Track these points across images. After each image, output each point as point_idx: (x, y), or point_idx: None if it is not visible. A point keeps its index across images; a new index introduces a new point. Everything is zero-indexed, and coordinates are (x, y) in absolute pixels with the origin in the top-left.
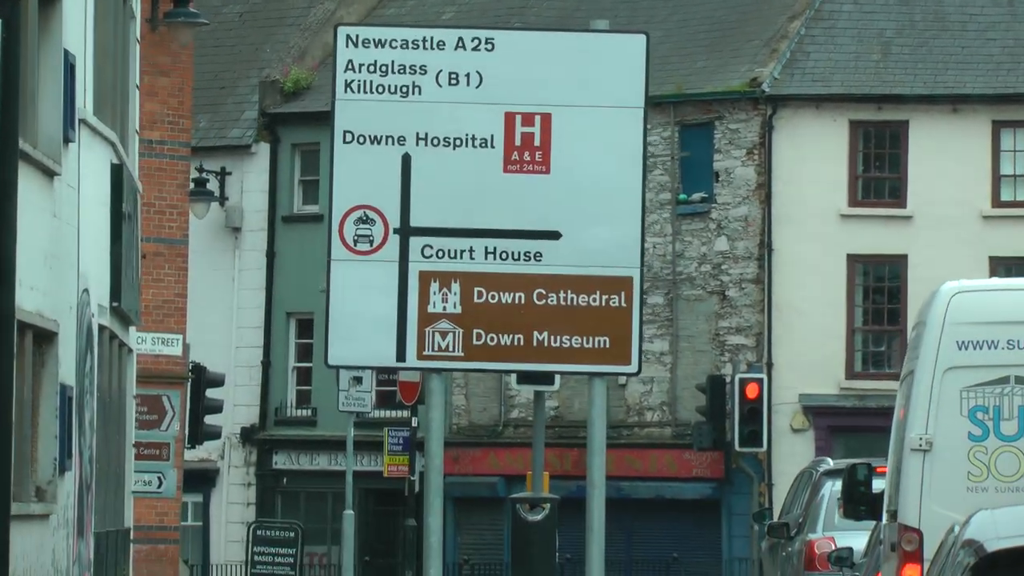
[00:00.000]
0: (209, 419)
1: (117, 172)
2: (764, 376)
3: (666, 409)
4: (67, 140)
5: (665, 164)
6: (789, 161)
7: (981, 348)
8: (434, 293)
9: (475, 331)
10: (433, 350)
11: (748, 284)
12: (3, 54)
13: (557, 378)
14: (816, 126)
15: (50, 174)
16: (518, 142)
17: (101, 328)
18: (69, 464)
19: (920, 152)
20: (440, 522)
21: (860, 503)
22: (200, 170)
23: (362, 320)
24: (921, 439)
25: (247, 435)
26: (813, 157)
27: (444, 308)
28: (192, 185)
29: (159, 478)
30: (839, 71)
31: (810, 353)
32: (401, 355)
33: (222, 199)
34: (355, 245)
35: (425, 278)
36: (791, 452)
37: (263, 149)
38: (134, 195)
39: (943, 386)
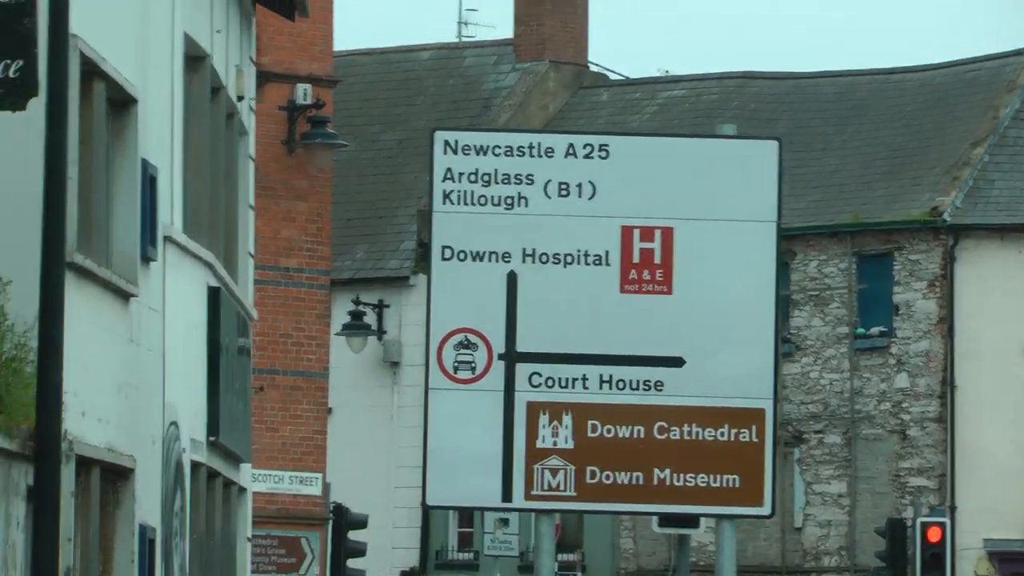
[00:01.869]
0: (352, 563)
1: (214, 296)
2: (947, 520)
3: (844, 554)
4: (147, 259)
5: (842, 297)
6: (972, 294)
7: None
8: (543, 426)
9: (589, 468)
10: (542, 489)
11: (930, 423)
12: (47, 155)
13: (703, 521)
14: (1000, 257)
15: (124, 296)
16: (636, 259)
17: (196, 465)
18: None
19: None
20: None
21: None
22: (356, 302)
23: (464, 456)
24: None
25: None
26: (998, 290)
27: (555, 443)
28: (348, 318)
29: None
30: None
31: (996, 496)
32: (507, 495)
33: (380, 332)
34: (455, 373)
35: (533, 409)
36: None
37: (422, 280)
38: (241, 322)
39: None
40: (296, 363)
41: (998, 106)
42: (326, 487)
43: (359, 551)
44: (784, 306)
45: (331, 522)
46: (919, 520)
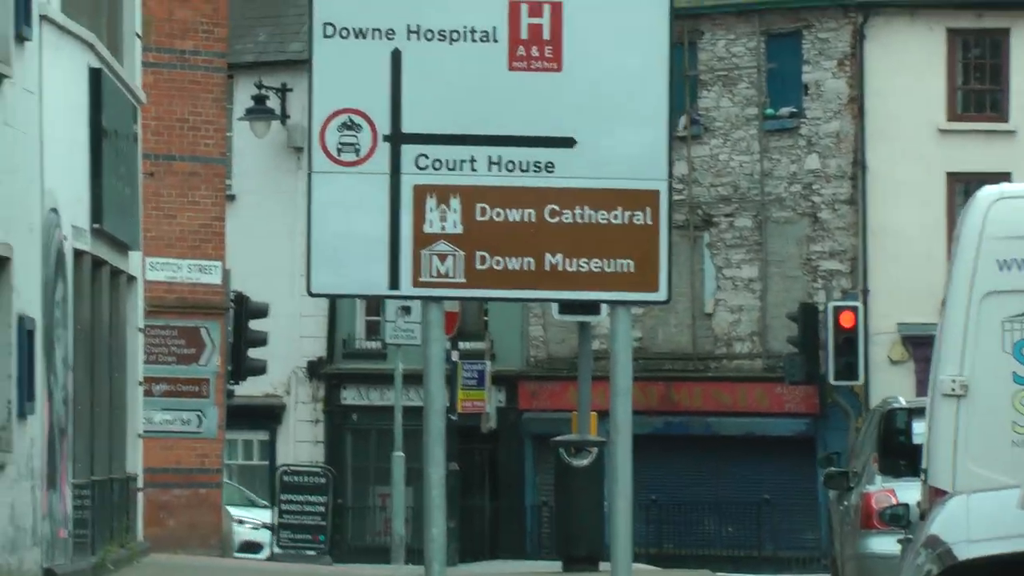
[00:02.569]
0: (253, 352)
1: (96, 77)
2: (860, 304)
3: (756, 340)
4: (21, 38)
5: (751, 77)
6: (883, 73)
7: None
8: (431, 210)
9: (478, 254)
10: (431, 276)
11: (841, 205)
12: None
13: (604, 307)
14: (912, 35)
15: None
16: (525, 35)
17: (79, 253)
18: (32, 407)
19: None
20: (442, 473)
21: (899, 455)
22: (259, 86)
23: (349, 241)
24: (954, 382)
25: (314, 369)
26: (909, 68)
27: (443, 227)
28: (252, 103)
29: (198, 416)
30: None
31: (909, 279)
32: (394, 282)
33: (283, 117)
34: (339, 155)
35: (420, 193)
36: (890, 385)
37: None
38: (128, 106)
39: (981, 315)
40: (193, 148)
41: None
42: (226, 275)
43: (260, 340)
44: (692, 87)
45: (231, 311)
46: (831, 304)
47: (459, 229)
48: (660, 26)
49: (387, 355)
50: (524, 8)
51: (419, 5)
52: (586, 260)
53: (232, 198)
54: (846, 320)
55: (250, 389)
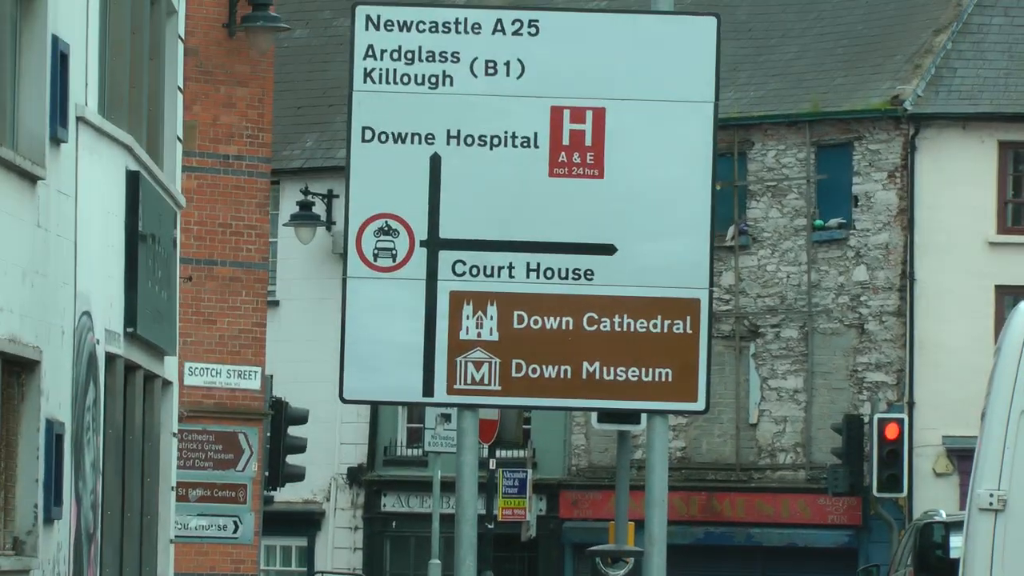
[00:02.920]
0: (292, 459)
1: (133, 180)
2: (905, 416)
3: (800, 451)
4: (56, 140)
5: (800, 188)
6: (933, 185)
7: None
8: (467, 317)
9: (514, 361)
10: (466, 383)
11: (889, 317)
12: None
13: (643, 416)
14: (962, 147)
15: (31, 178)
16: (566, 141)
17: (112, 357)
18: (59, 512)
19: None
20: None
21: (935, 571)
22: (305, 192)
23: (383, 347)
24: (992, 496)
25: (354, 476)
26: (959, 180)
27: (479, 334)
28: (297, 208)
29: (235, 522)
30: (988, 88)
31: (955, 392)
32: (428, 389)
33: (329, 223)
34: (375, 260)
35: (457, 299)
36: (934, 498)
37: None
38: (167, 209)
39: (1021, 429)
40: (235, 254)
41: None
42: (265, 380)
43: (299, 447)
44: (741, 197)
45: (270, 417)
46: (876, 416)
47: (495, 336)
48: (704, 134)
49: (428, 462)
50: (567, 114)
51: (459, 110)
52: (624, 368)
53: (275, 304)
54: (891, 432)
55: (289, 495)
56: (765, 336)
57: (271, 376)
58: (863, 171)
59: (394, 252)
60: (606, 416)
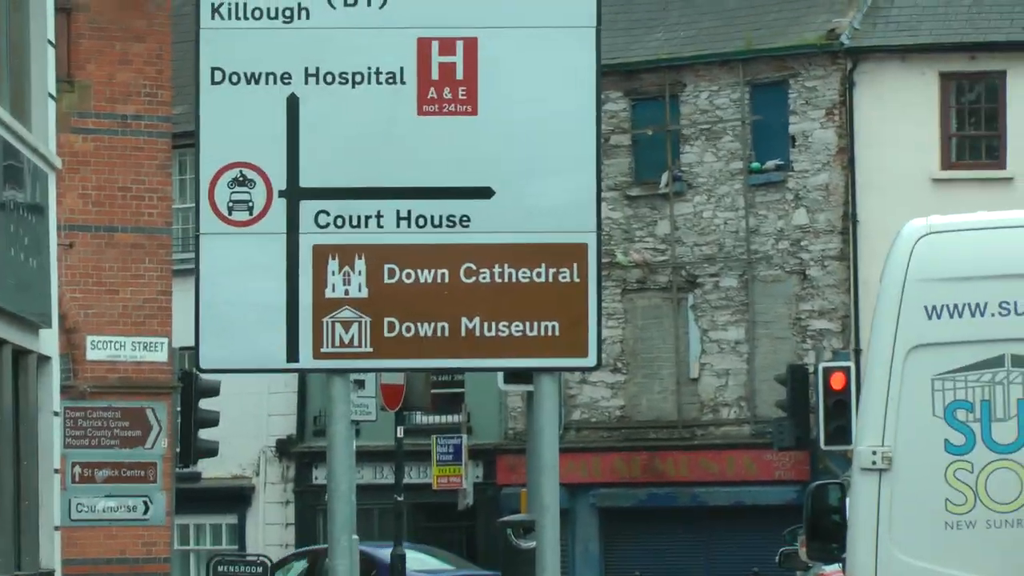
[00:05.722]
0: (205, 433)
1: None
2: (852, 364)
3: (744, 405)
4: None
5: (735, 129)
6: (873, 121)
7: (962, 315)
8: (333, 273)
9: (387, 320)
10: (333, 346)
11: (831, 261)
12: None
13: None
14: (903, 80)
15: None
16: (435, 76)
17: None
18: None
19: (1021, 106)
20: (347, 563)
21: (830, 538)
22: None
23: (242, 310)
24: (875, 453)
25: (284, 448)
26: (900, 116)
27: (346, 292)
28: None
29: (145, 503)
30: (927, 18)
31: None
32: (293, 354)
33: None
34: (230, 214)
35: (321, 253)
36: None
37: None
38: (34, 172)
39: (907, 373)
40: (136, 219)
41: None
42: (172, 352)
43: (212, 420)
44: (674, 141)
45: (179, 390)
46: (821, 365)
47: (365, 293)
48: (587, 62)
49: (360, 432)
50: (435, 45)
51: (317, 45)
52: (506, 323)
53: (188, 272)
54: (837, 382)
55: (217, 470)
56: (704, 286)
57: (182, 349)
58: (800, 110)
59: (250, 204)
60: (512, 376)
